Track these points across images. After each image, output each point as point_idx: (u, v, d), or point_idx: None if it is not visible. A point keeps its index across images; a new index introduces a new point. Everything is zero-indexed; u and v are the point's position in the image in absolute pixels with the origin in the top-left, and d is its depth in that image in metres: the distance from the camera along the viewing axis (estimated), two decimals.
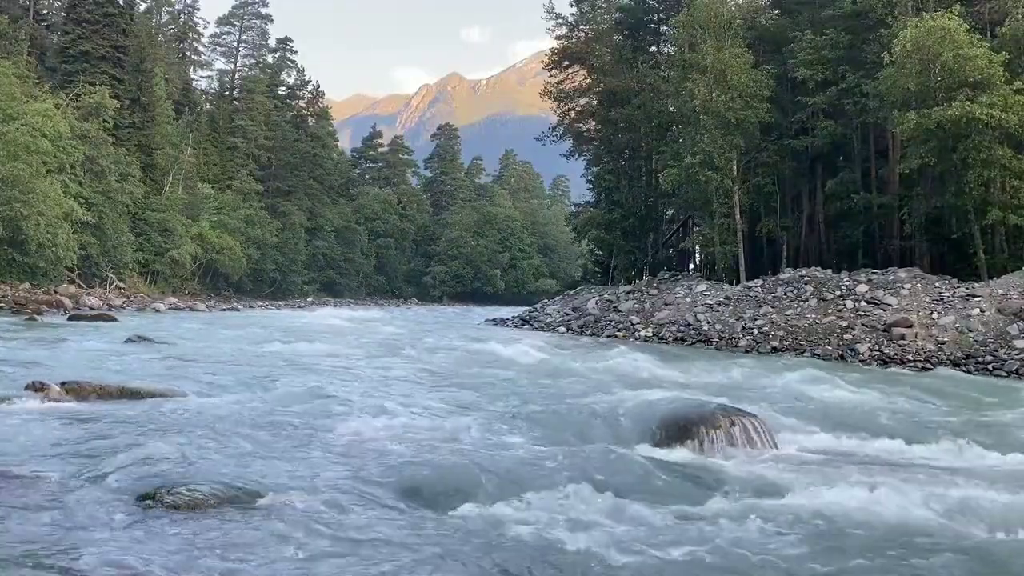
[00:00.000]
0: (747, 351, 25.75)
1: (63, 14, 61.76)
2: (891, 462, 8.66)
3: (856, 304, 26.28)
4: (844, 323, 25.50)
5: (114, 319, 29.15)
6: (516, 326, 39.19)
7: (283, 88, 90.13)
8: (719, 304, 30.53)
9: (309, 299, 76.38)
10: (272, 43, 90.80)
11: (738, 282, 33.54)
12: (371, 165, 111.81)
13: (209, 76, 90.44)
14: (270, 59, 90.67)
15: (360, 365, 16.41)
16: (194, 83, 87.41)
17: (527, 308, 47.73)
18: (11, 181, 38.63)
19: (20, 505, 5.64)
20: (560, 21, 53.89)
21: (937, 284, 26.17)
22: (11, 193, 38.68)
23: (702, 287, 33.65)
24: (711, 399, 11.35)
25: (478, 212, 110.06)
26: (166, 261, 58.61)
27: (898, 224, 32.55)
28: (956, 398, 14.63)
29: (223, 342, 20.98)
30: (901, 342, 23.27)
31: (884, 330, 24.23)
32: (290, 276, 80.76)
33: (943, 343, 22.75)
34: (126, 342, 18.58)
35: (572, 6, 54.04)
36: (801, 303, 27.88)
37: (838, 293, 27.43)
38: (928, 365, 21.70)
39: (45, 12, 67.22)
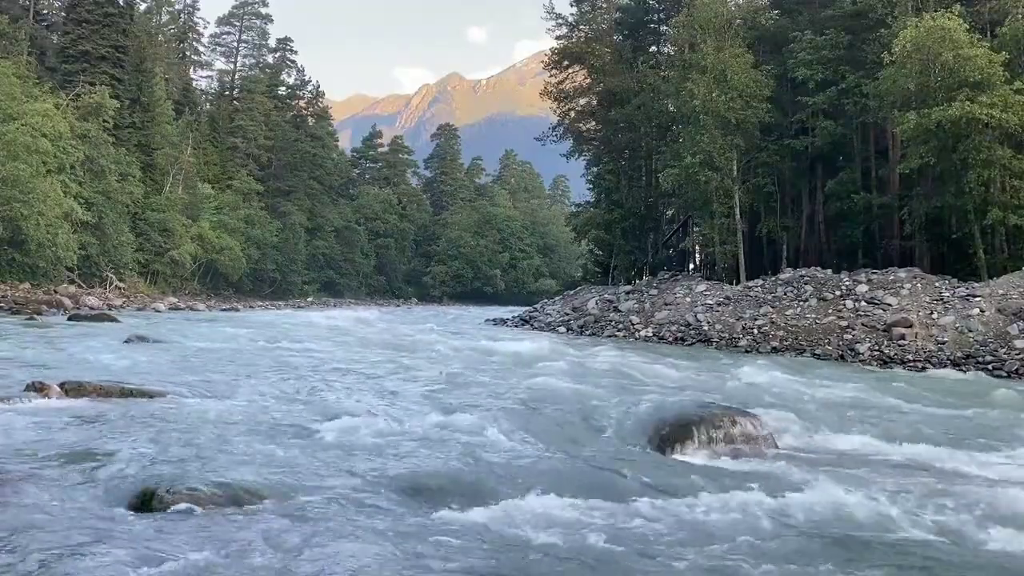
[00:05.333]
0: (747, 351, 25.74)
1: (63, 14, 61.72)
2: (891, 462, 8.66)
3: (856, 304, 26.28)
4: (844, 323, 25.50)
5: (114, 319, 29.12)
6: (516, 326, 39.17)
7: (283, 88, 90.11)
8: (719, 304, 30.53)
9: (309, 299, 76.39)
10: (272, 43, 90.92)
11: (738, 282, 33.53)
12: (371, 165, 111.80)
13: (209, 76, 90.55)
14: (270, 59, 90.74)
15: (359, 365, 16.40)
16: (194, 83, 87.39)
17: (527, 308, 47.71)
18: (11, 181, 38.63)
19: (19, 505, 5.64)
20: (560, 21, 53.89)
21: (937, 284, 26.17)
22: (11, 193, 38.67)
23: (702, 287, 33.65)
24: (711, 399, 11.35)
25: (478, 212, 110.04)
26: (166, 261, 58.61)
27: (898, 224, 32.55)
28: (956, 398, 14.62)
29: (223, 342, 20.96)
30: (901, 342, 23.27)
31: (884, 330, 24.23)
32: (290, 276, 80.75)
33: (943, 343, 22.74)
34: (126, 342, 18.56)
35: (572, 6, 54.06)
36: (801, 303, 27.88)
37: (838, 293, 27.43)
38: (928, 365, 21.70)
39: (45, 12, 67.18)
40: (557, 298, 45.94)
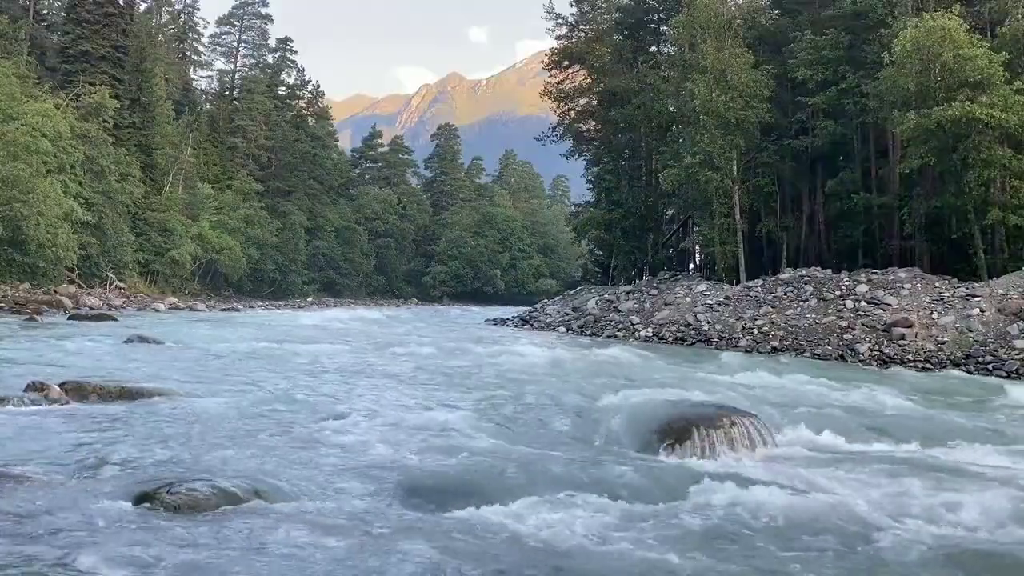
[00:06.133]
0: (747, 351, 25.73)
1: (63, 14, 61.74)
2: (890, 462, 8.65)
3: (856, 304, 26.28)
4: (844, 323, 25.50)
5: (114, 319, 29.15)
6: (516, 326, 39.18)
7: (283, 88, 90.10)
8: (719, 304, 30.53)
9: (309, 299, 76.36)
10: (272, 43, 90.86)
11: (738, 282, 33.52)
12: (371, 165, 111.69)
13: (209, 76, 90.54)
14: (270, 59, 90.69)
15: (358, 365, 16.40)
16: (194, 83, 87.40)
17: (527, 308, 47.74)
18: (11, 181, 38.60)
19: (20, 505, 5.64)
20: (560, 21, 53.99)
21: (937, 284, 26.16)
22: (11, 193, 38.65)
23: (702, 287, 33.65)
24: (711, 399, 11.35)
25: (478, 212, 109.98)
26: (166, 261, 58.60)
27: (898, 224, 32.55)
28: (956, 398, 14.63)
29: (223, 342, 20.97)
30: (901, 342, 23.27)
31: (884, 330, 24.23)
32: (290, 276, 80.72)
33: (943, 343, 22.74)
34: (126, 342, 18.58)
35: (572, 6, 54.14)
36: (801, 303, 27.88)
37: (838, 293, 27.42)
38: (928, 365, 21.70)
39: (45, 12, 67.18)
40: (557, 298, 45.99)
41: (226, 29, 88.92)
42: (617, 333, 31.44)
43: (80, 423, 8.53)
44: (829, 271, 30.17)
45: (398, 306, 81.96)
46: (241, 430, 8.57)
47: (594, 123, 52.58)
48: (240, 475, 6.54)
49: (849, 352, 23.73)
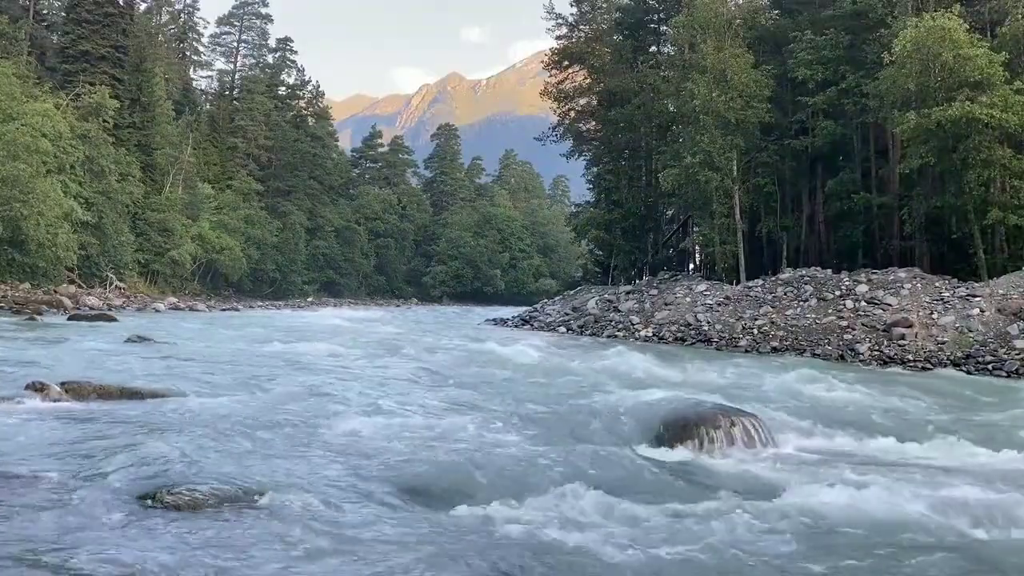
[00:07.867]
0: (747, 351, 25.74)
1: (63, 14, 61.76)
2: (890, 462, 8.66)
3: (856, 304, 26.28)
4: (844, 323, 25.50)
5: (114, 319, 29.13)
6: (516, 326, 39.18)
7: (283, 88, 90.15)
8: (719, 304, 30.53)
9: (309, 299, 76.39)
10: (272, 43, 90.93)
11: (738, 282, 33.53)
12: (371, 165, 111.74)
13: (209, 76, 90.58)
14: (270, 59, 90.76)
15: (359, 365, 16.40)
16: (194, 83, 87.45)
17: (527, 308, 47.74)
18: (11, 181, 38.61)
19: (20, 505, 5.64)
20: (560, 21, 54.03)
21: (937, 284, 26.17)
22: (11, 193, 38.65)
23: (702, 287, 33.65)
24: (711, 399, 11.35)
25: (478, 212, 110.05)
26: (166, 261, 58.62)
27: (898, 224, 32.54)
28: (955, 398, 14.63)
29: (223, 342, 20.98)
30: (901, 342, 23.27)
31: (884, 330, 24.23)
32: (290, 276, 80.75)
33: (943, 343, 22.74)
34: (126, 342, 18.57)
35: (572, 6, 54.17)
36: (801, 303, 27.88)
37: (838, 293, 27.43)
38: (928, 365, 21.70)
39: (45, 12, 67.17)
40: (557, 298, 45.98)
41: (226, 29, 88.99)
42: (617, 333, 31.44)
43: (80, 423, 8.53)
44: (829, 271, 30.17)
45: (398, 306, 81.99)
46: (241, 430, 8.56)
47: (594, 123, 52.58)
48: (240, 475, 6.54)
49: (849, 352, 23.73)
